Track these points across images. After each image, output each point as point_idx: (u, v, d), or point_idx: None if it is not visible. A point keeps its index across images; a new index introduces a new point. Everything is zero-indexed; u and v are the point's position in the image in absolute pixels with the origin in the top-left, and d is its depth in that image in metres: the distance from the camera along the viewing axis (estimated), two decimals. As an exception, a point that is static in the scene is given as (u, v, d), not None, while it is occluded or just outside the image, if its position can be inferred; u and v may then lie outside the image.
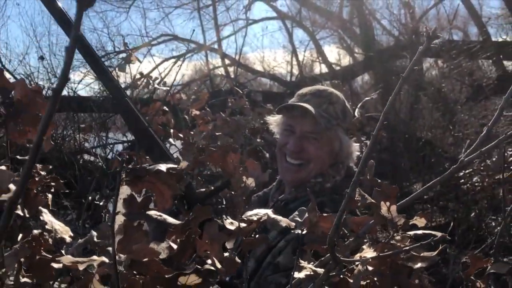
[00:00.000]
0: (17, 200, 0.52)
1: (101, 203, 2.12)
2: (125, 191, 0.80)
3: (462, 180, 5.51)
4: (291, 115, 1.88)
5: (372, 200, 0.88)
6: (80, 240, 1.25)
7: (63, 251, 1.15)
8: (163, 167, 0.78)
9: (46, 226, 1.10)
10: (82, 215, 1.94)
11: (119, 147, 7.32)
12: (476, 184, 5.31)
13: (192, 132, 2.98)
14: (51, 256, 1.07)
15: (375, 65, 9.97)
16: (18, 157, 1.04)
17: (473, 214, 5.44)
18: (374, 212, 0.90)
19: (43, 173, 1.14)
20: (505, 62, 9.46)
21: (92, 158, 6.69)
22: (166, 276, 0.71)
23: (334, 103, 1.88)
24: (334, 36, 12.84)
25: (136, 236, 0.79)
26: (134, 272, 0.88)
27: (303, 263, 1.04)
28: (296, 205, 1.20)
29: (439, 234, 0.94)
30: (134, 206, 0.80)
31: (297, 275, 1.02)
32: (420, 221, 0.97)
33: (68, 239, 1.12)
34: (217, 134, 2.89)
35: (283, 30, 12.54)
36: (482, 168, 5.08)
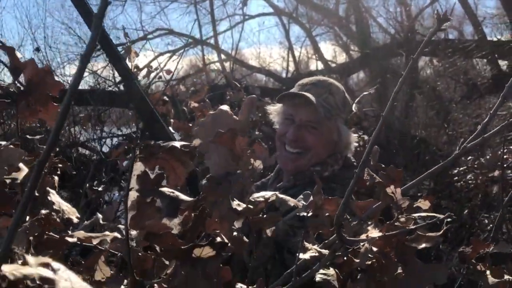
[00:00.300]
0: (44, 164, 0.53)
1: (100, 189, 2.13)
2: (139, 167, 0.82)
3: (456, 178, 5.57)
4: (292, 103, 1.89)
5: (380, 180, 0.90)
6: (86, 222, 1.27)
7: (69, 232, 1.16)
8: (177, 144, 0.79)
9: (54, 207, 1.11)
10: (81, 201, 1.95)
11: (114, 141, 7.29)
12: (470, 182, 5.36)
13: (190, 124, 3.00)
14: (58, 236, 1.08)
15: (371, 63, 10.01)
16: (27, 136, 1.04)
17: (466, 211, 5.49)
18: (381, 192, 0.92)
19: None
20: (500, 62, 9.53)
21: (87, 152, 6.67)
22: (182, 247, 0.73)
23: (334, 93, 1.90)
24: (330, 33, 12.87)
25: (149, 212, 0.81)
26: (146, 246, 0.90)
27: (308, 245, 1.06)
28: (295, 192, 1.21)
29: (442, 216, 0.96)
30: (147, 183, 0.81)
31: (302, 256, 1.04)
32: (424, 204, 0.99)
33: (75, 220, 1.13)
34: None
35: (279, 26, 12.55)
36: (476, 166, 5.13)
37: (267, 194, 1.03)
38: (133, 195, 0.82)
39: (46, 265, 0.51)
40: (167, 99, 2.69)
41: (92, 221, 1.21)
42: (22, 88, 1.01)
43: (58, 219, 1.11)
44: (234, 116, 1.54)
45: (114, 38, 11.03)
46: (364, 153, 0.85)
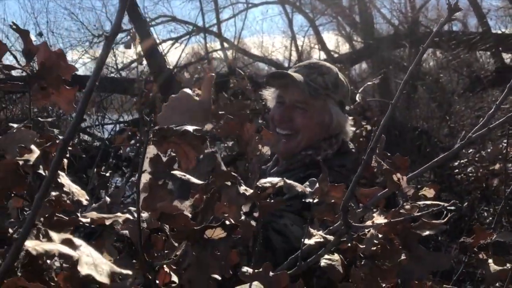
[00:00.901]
0: (69, 142, 0.55)
1: (107, 174, 2.15)
2: (151, 150, 0.83)
3: (457, 170, 5.60)
4: (280, 84, 1.87)
5: (388, 167, 0.92)
6: (94, 204, 1.29)
7: (78, 214, 1.18)
8: (189, 128, 0.81)
9: (64, 189, 1.13)
10: (88, 185, 1.97)
11: (116, 128, 7.30)
12: (470, 174, 5.39)
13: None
14: (67, 218, 1.10)
15: (374, 53, 9.98)
16: (39, 118, 1.06)
17: (466, 204, 5.52)
18: (387, 179, 0.93)
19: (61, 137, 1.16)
20: (504, 55, 9.50)
21: (87, 137, 6.70)
22: (195, 228, 0.75)
23: (324, 74, 1.86)
24: (333, 23, 12.81)
25: (161, 194, 0.82)
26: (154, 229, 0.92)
27: (313, 231, 1.08)
28: (287, 176, 1.20)
29: (446, 204, 0.98)
30: (159, 165, 0.83)
31: (307, 241, 1.06)
32: (429, 192, 1.01)
33: (84, 202, 1.15)
34: (220, 113, 2.91)
35: (282, 15, 12.50)
36: (477, 158, 5.15)
37: (274, 179, 1.05)
38: (145, 177, 0.84)
39: (68, 242, 0.53)
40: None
41: (100, 203, 1.23)
42: (34, 71, 1.02)
43: (68, 201, 1.13)
44: (196, 98, 1.52)
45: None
46: (371, 140, 0.86)
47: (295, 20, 12.09)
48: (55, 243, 0.58)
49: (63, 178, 1.17)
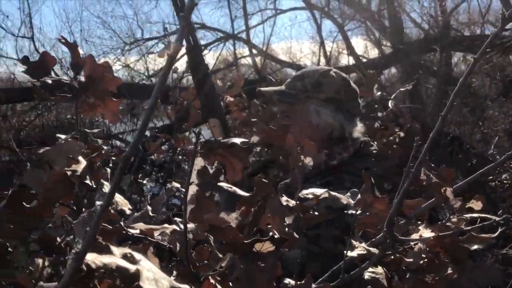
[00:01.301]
0: (130, 158, 0.56)
1: (144, 181, 2.18)
2: (199, 162, 0.84)
3: (490, 177, 5.46)
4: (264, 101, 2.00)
5: (437, 180, 0.90)
6: (136, 213, 1.30)
7: (121, 223, 1.20)
8: (237, 140, 0.82)
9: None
10: (126, 192, 2.00)
11: (147, 133, 7.40)
12: (505, 181, 5.25)
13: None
14: (111, 227, 1.12)
15: (404, 58, 9.84)
16: (86, 130, 1.08)
17: (500, 212, 5.38)
18: (435, 192, 0.92)
19: (105, 147, 1.19)
20: (539, 59, 9.23)
21: (119, 144, 6.81)
22: (245, 241, 0.75)
23: (304, 78, 1.86)
24: (362, 27, 12.71)
25: (208, 206, 0.83)
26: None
27: (355, 242, 1.07)
28: (306, 187, 1.19)
29: (495, 218, 0.95)
30: (206, 177, 0.83)
31: (349, 254, 1.05)
32: (476, 205, 0.99)
33: (128, 212, 1.17)
34: (253, 120, 2.92)
35: (311, 21, 12.45)
36: (511, 165, 5.02)
37: (317, 190, 1.04)
38: (192, 189, 0.85)
39: (128, 256, 0.54)
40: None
41: (142, 213, 1.24)
42: (81, 83, 1.04)
43: (112, 211, 1.15)
44: None
45: (147, 33, 11.22)
46: (422, 152, 0.85)
47: (323, 25, 12.02)
48: (112, 256, 0.59)
49: (107, 188, 1.20)
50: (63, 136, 1.09)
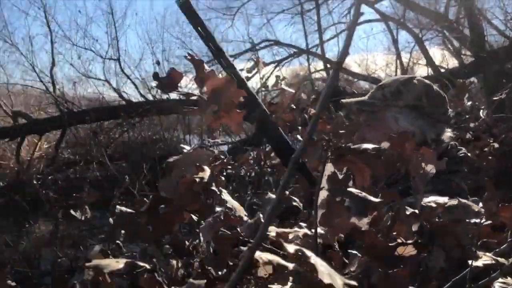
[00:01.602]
0: (298, 160, 0.59)
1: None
2: (329, 168, 0.87)
3: None
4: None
5: None
6: (249, 220, 1.35)
7: (238, 229, 1.25)
8: (369, 146, 0.83)
9: (227, 204, 1.20)
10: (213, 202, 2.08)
11: (224, 148, 7.61)
12: None
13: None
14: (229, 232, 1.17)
15: (487, 67, 9.37)
16: (219, 141, 1.14)
17: None
18: None
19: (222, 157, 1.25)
20: None
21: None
22: (389, 245, 0.76)
23: (384, 87, 1.91)
24: (439, 37, 12.27)
25: (338, 211, 0.85)
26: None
27: (480, 252, 1.04)
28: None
29: None
30: (336, 183, 0.86)
31: (475, 263, 1.02)
32: None
33: (244, 218, 1.22)
34: (340, 132, 2.93)
35: (386, 33, 12.24)
36: None
37: (439, 199, 1.03)
38: (323, 194, 0.87)
39: (300, 253, 0.57)
40: (294, 106, 2.77)
41: (255, 219, 1.29)
42: (207, 97, 1.11)
43: (232, 216, 1.20)
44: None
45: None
46: None
47: (399, 36, 11.77)
48: (272, 255, 0.63)
49: (225, 195, 1.25)
50: (187, 147, 1.16)
